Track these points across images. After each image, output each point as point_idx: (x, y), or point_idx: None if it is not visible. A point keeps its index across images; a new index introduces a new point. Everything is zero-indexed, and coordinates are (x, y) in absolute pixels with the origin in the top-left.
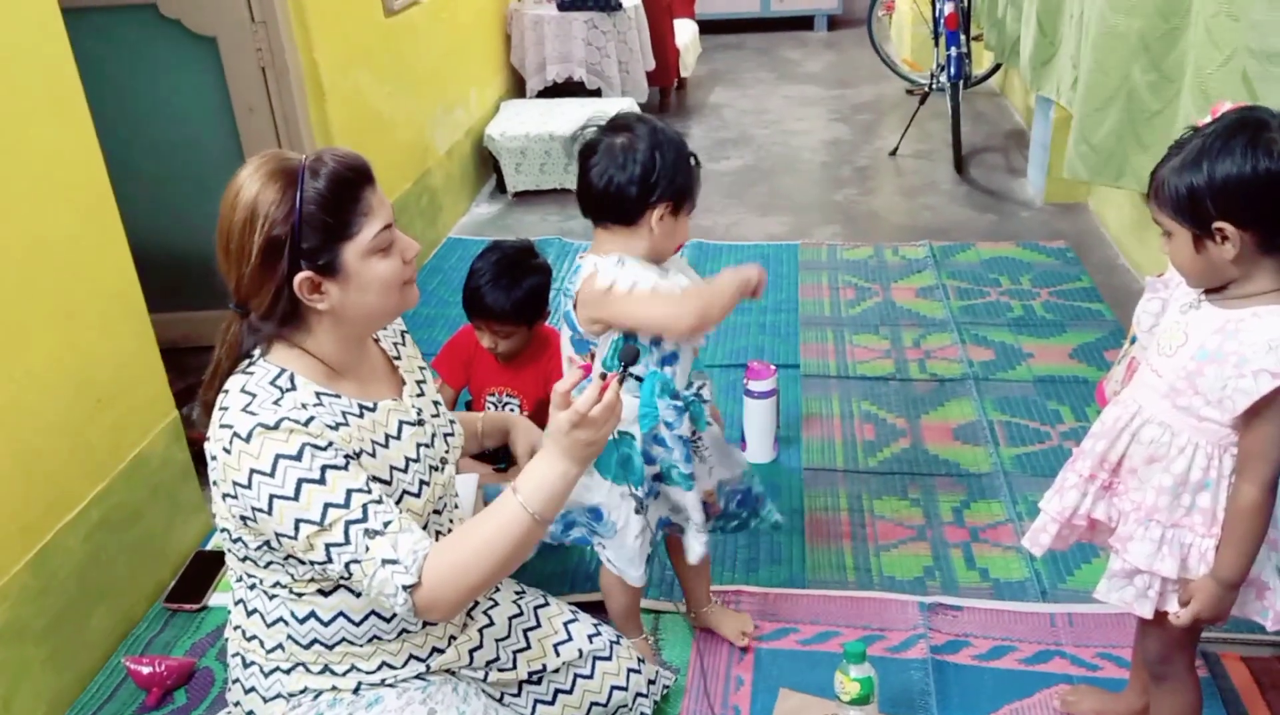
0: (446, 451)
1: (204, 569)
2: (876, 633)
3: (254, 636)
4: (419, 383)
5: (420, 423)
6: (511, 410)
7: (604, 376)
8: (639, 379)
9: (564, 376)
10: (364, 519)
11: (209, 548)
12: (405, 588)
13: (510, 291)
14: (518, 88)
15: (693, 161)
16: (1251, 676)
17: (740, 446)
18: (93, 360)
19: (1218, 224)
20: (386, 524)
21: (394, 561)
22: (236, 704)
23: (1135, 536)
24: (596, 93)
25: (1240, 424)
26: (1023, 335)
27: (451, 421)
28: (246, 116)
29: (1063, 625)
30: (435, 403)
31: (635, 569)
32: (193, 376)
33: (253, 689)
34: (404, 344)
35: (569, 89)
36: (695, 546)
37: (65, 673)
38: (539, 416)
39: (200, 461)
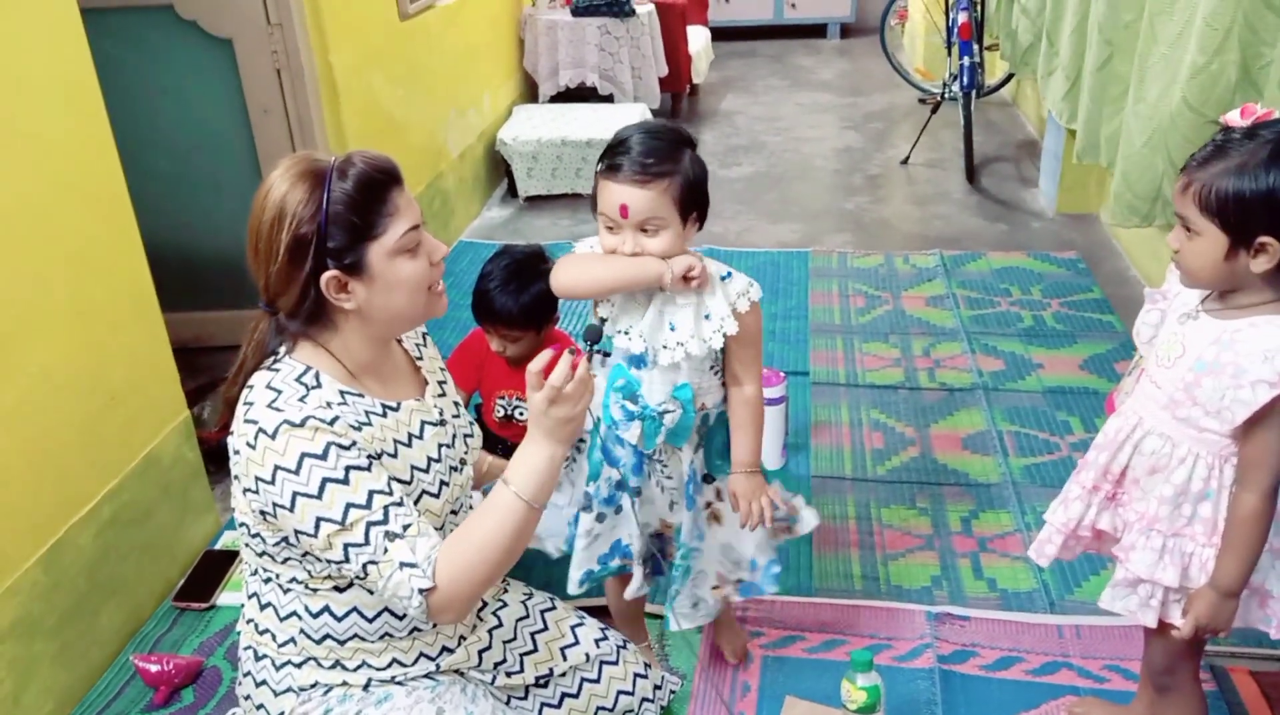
0: (466, 452)
1: (213, 568)
2: (883, 642)
3: (266, 630)
4: (440, 384)
5: (442, 423)
6: (522, 414)
7: (574, 352)
8: (606, 354)
9: (537, 358)
10: (385, 521)
11: (218, 547)
12: (421, 591)
13: (518, 296)
14: (530, 92)
15: (598, 168)
16: (1260, 690)
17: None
18: (105, 359)
19: (1264, 239)
20: (406, 527)
21: (412, 565)
22: (247, 698)
23: (1137, 546)
24: (609, 98)
25: (1240, 434)
26: (1033, 345)
27: (471, 423)
28: (261, 118)
29: (1070, 636)
30: (456, 404)
31: (575, 571)
32: (204, 376)
33: (263, 682)
34: (425, 346)
35: (582, 94)
36: (633, 581)
37: (74, 669)
38: None
39: (211, 460)
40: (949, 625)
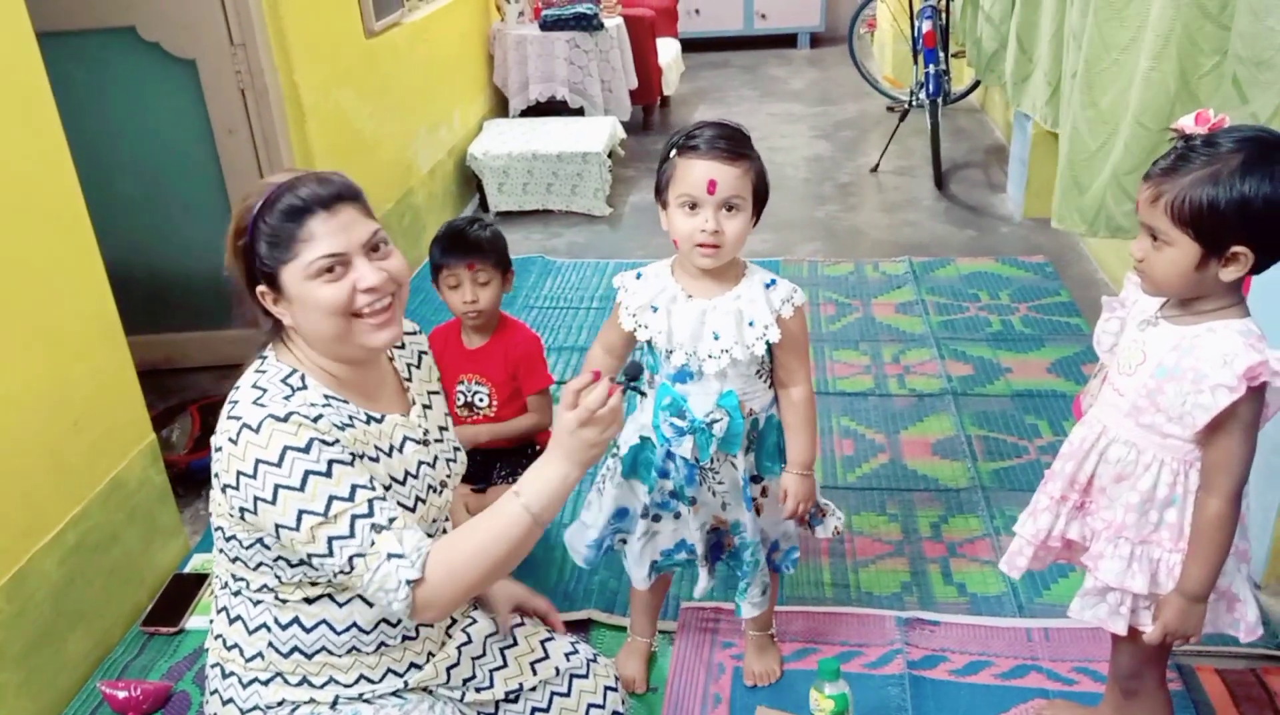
0: (448, 475)
1: (182, 592)
2: (854, 648)
3: (235, 645)
4: (425, 408)
5: (425, 442)
6: (481, 400)
7: (613, 381)
8: (642, 393)
9: (576, 378)
10: (370, 514)
11: (187, 570)
12: (408, 582)
13: (478, 236)
14: (501, 107)
15: (673, 152)
16: (1226, 689)
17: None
18: (68, 383)
19: (1237, 248)
20: (391, 520)
21: (400, 556)
22: None
23: (1105, 554)
24: (579, 111)
25: (1202, 438)
26: (1001, 350)
27: (456, 448)
28: (226, 138)
29: (1039, 640)
30: (441, 428)
31: (638, 570)
32: (173, 398)
33: (230, 700)
34: (418, 367)
35: (552, 108)
36: (700, 580)
37: (40, 698)
38: (508, 408)
39: (179, 483)
40: (919, 631)
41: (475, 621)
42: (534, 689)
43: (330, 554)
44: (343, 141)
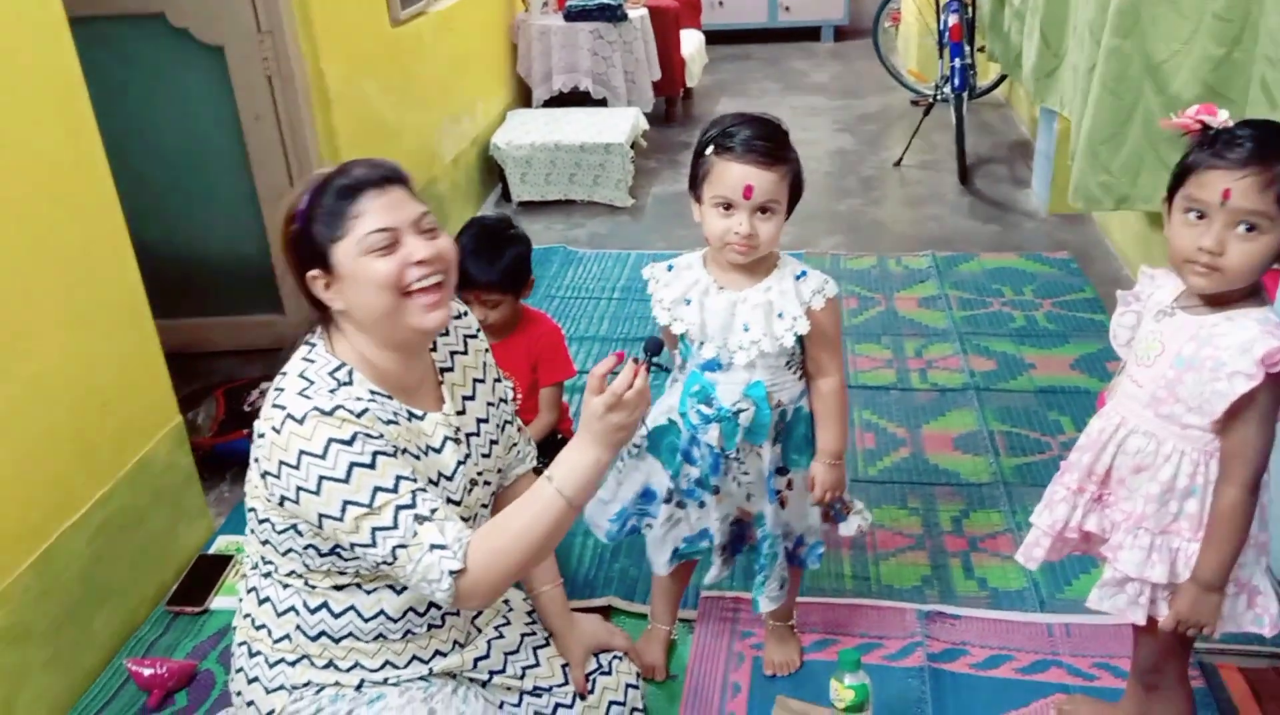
0: (479, 473)
1: (207, 572)
2: (874, 640)
3: (263, 625)
4: (465, 399)
5: (458, 441)
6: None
7: (636, 361)
8: (665, 369)
9: (601, 363)
10: (413, 505)
11: (212, 551)
12: (452, 573)
13: (493, 261)
14: (524, 97)
15: (709, 149)
16: (1248, 687)
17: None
18: (96, 365)
19: None
20: (433, 511)
21: (443, 546)
22: (238, 694)
23: (1125, 545)
24: (602, 102)
25: (1220, 427)
26: (1025, 346)
27: (492, 443)
28: (253, 125)
29: (1060, 635)
30: (479, 422)
31: (659, 555)
32: (198, 381)
33: (256, 679)
34: (464, 352)
35: (575, 99)
36: (713, 568)
37: (67, 675)
38: (531, 400)
39: (204, 466)
40: (939, 624)
41: (509, 623)
42: (561, 685)
43: (374, 544)
44: (367, 129)
